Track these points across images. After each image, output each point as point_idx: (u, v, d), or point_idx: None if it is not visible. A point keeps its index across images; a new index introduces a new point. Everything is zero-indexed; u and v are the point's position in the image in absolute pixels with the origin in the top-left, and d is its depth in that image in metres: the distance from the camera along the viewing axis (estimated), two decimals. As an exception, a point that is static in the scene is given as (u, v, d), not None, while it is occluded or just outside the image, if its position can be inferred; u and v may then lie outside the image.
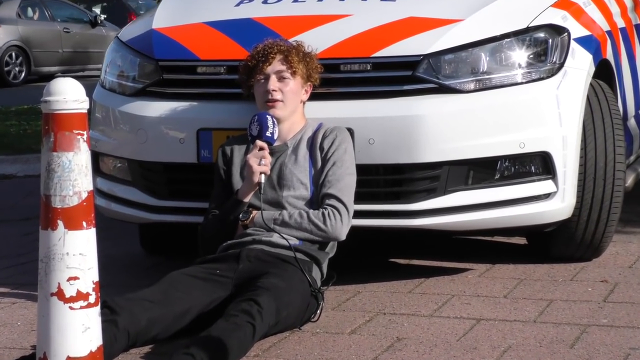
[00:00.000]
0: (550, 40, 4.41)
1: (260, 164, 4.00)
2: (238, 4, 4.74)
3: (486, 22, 4.39)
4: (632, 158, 5.43)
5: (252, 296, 3.57)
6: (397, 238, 5.15)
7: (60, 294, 3.03)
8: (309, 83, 4.19)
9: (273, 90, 4.09)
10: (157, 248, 5.16)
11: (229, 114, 4.37)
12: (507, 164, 4.31)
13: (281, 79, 4.11)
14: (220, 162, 4.23)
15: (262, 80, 4.12)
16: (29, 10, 21.73)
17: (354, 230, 4.10)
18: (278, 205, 4.07)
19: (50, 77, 20.07)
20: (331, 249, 4.13)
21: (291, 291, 3.74)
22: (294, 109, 4.17)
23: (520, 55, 4.34)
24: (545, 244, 4.72)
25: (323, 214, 4.01)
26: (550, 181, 4.32)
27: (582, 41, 4.55)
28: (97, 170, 4.70)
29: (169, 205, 4.53)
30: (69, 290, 3.03)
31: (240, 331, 3.40)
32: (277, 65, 4.11)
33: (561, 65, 4.39)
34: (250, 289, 3.67)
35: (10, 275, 4.92)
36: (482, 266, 4.69)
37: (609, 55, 4.92)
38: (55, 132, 3.04)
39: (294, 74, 4.11)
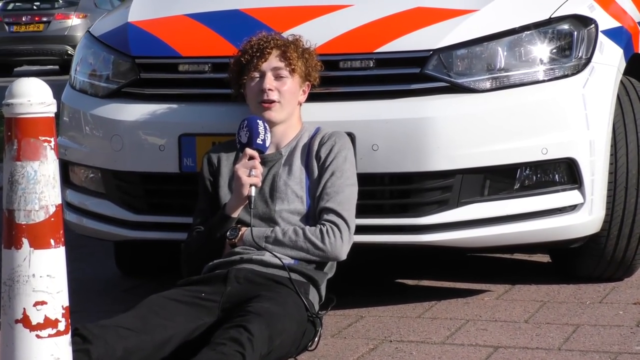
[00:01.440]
0: (575, 33, 4.42)
1: (251, 174, 3.99)
2: (224, -6, 4.76)
3: (503, 12, 4.42)
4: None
5: (241, 322, 3.57)
6: (405, 256, 5.16)
7: (26, 321, 3.04)
8: (307, 82, 4.19)
9: (269, 89, 4.08)
10: (134, 269, 5.18)
11: (215, 118, 4.38)
12: (527, 172, 4.33)
13: (278, 77, 4.11)
14: (205, 172, 4.24)
15: (257, 78, 4.12)
16: None
17: (355, 247, 4.10)
18: (270, 220, 4.08)
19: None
20: (330, 269, 4.13)
21: (285, 316, 3.73)
22: (291, 111, 4.16)
23: (541, 49, 4.36)
24: (571, 262, 4.74)
25: (321, 230, 4.01)
26: (576, 191, 4.33)
27: (611, 33, 4.57)
28: (66, 181, 4.72)
29: (148, 221, 4.54)
30: (36, 317, 3.04)
31: (228, 362, 3.41)
32: (274, 61, 4.12)
33: (588, 60, 4.41)
34: (239, 314, 3.66)
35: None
36: (501, 287, 4.71)
37: (643, 49, 4.94)
38: (19, 138, 3.05)
39: (292, 72, 4.11)
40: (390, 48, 4.29)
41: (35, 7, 25.32)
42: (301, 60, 4.14)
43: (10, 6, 25.82)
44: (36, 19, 24.73)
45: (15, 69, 25.93)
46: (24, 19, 24.84)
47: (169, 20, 4.70)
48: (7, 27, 24.95)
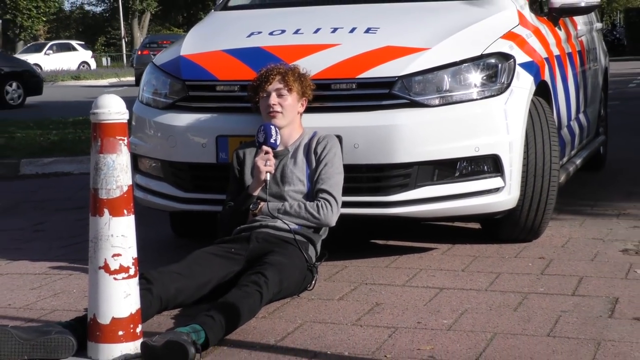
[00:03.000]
0: (499, 65, 4.41)
1: (266, 164, 4.01)
2: (249, 35, 4.74)
3: (448, 50, 4.39)
4: (564, 160, 5.44)
5: (260, 270, 3.59)
6: (377, 223, 5.15)
7: (106, 267, 3.05)
8: (304, 98, 4.18)
9: (273, 104, 4.09)
10: (184, 231, 5.16)
11: (242, 124, 4.37)
12: (465, 164, 4.31)
13: (280, 95, 4.11)
14: (234, 163, 4.24)
15: (265, 96, 4.13)
16: None
17: (342, 217, 4.11)
18: (281, 197, 4.08)
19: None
20: (324, 232, 4.14)
21: (291, 266, 3.75)
22: (292, 119, 4.16)
23: (475, 77, 4.34)
24: (495, 228, 4.73)
25: (317, 205, 4.02)
26: (499, 178, 4.33)
27: (525, 66, 4.56)
28: (136, 168, 4.71)
29: (194, 197, 4.53)
30: (114, 265, 3.05)
31: (250, 298, 3.41)
32: (276, 84, 4.11)
33: (508, 85, 4.39)
34: (258, 264, 3.68)
35: (68, 253, 4.94)
36: (445, 246, 4.70)
37: (547, 77, 4.93)
38: (102, 137, 3.05)
39: (290, 90, 4.11)
40: (367, 75, 4.27)
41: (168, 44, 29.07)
42: (297, 82, 4.13)
43: (147, 45, 30.69)
44: None
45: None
46: None
47: (209, 54, 4.68)
48: (153, 57, 27.76)
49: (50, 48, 44.04)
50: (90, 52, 46.40)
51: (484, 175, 4.33)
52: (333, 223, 4.07)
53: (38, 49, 44.74)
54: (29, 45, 48.00)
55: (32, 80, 19.88)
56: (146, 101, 4.79)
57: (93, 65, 44.95)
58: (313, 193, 4.08)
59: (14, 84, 19.35)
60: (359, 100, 4.28)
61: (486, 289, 3.86)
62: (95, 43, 66.39)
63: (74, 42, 46.95)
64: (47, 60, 42.02)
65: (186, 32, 5.22)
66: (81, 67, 42.89)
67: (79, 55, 44.54)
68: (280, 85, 4.11)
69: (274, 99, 4.10)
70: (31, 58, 42.53)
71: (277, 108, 4.10)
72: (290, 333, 3.35)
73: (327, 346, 3.18)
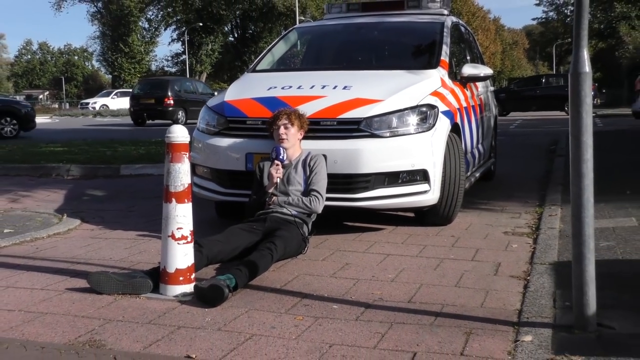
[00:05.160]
0: (429, 112, 4.41)
1: (277, 172, 4.00)
2: (269, 89, 4.73)
3: (396, 101, 4.39)
4: (469, 173, 5.44)
5: (271, 240, 3.57)
6: (348, 212, 5.15)
7: (173, 236, 3.03)
8: (302, 129, 4.18)
9: (281, 133, 4.09)
10: (224, 214, 5.13)
11: (262, 146, 4.35)
12: (405, 175, 4.30)
13: (286, 127, 4.10)
14: (257, 171, 4.22)
15: (276, 128, 4.12)
16: None
17: (325, 207, 4.09)
18: (286, 194, 4.06)
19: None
20: (313, 217, 4.11)
21: (292, 238, 3.73)
22: (294, 143, 4.15)
23: (413, 119, 4.34)
24: (423, 216, 4.72)
25: (310, 199, 4.00)
26: (426, 184, 4.32)
27: (444, 113, 4.56)
28: (194, 172, 4.69)
29: (230, 192, 4.51)
30: (177, 235, 3.04)
31: (265, 258, 3.40)
32: (283, 120, 4.11)
33: (434, 125, 4.39)
34: (270, 236, 3.67)
35: (148, 226, 4.91)
36: (390, 227, 4.69)
37: (458, 120, 4.93)
38: (172, 152, 3.04)
39: (292, 125, 4.11)
40: (344, 116, 4.27)
41: None
42: (297, 120, 4.14)
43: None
44: None
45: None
46: None
47: (243, 100, 4.67)
48: None
49: (115, 94, 40.58)
50: None
51: (417, 182, 4.32)
52: (320, 211, 4.05)
53: (107, 94, 41.39)
54: (102, 92, 44.37)
55: (196, 109, 21.86)
56: (201, 129, 4.76)
57: None
58: (307, 191, 4.06)
59: (181, 112, 21.44)
60: (338, 133, 4.27)
61: (416, 255, 3.85)
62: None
63: (129, 90, 44.98)
64: (112, 102, 38.80)
65: (229, 86, 5.20)
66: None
67: None
68: (286, 122, 4.11)
69: (282, 130, 4.10)
70: (101, 100, 39.49)
71: (284, 136, 4.10)
72: (290, 281, 3.33)
73: (313, 290, 3.17)
